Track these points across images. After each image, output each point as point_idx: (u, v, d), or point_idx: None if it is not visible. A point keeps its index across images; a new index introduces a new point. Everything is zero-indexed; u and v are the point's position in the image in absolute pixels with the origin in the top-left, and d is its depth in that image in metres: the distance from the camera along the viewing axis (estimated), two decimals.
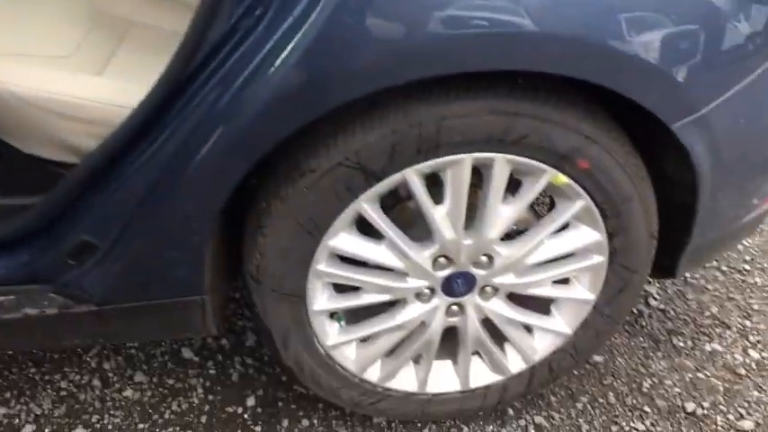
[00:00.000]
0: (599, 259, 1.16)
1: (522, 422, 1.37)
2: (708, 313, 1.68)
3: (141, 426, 1.36)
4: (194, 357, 1.50)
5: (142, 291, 1.10)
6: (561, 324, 1.25)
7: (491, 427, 1.37)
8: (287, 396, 1.42)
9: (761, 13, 0.99)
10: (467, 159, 1.00)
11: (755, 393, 1.45)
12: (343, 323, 1.21)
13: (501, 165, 1.02)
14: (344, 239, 1.07)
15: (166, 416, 1.38)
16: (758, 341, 1.59)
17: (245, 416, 1.38)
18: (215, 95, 0.91)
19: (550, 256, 1.15)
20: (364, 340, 1.23)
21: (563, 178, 1.04)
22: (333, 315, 1.21)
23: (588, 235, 1.13)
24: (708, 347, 1.57)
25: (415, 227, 1.13)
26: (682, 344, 1.58)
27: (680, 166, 1.07)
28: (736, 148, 1.07)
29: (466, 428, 1.36)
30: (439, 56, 0.88)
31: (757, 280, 1.81)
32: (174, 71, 0.92)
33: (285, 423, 1.37)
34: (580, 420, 1.38)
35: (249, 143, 0.94)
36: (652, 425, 1.37)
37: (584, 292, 1.21)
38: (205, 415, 1.38)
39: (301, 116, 0.91)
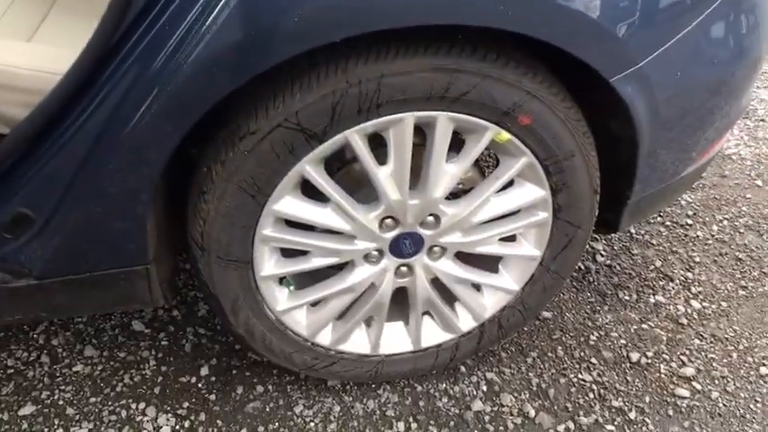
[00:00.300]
0: (544, 215, 1.17)
1: (474, 378, 1.41)
2: (652, 267, 1.74)
3: (93, 400, 1.34)
4: (145, 329, 1.48)
5: (83, 262, 1.07)
6: (509, 281, 1.28)
7: (444, 384, 1.39)
8: (241, 364, 1.42)
9: None
10: (408, 118, 0.99)
11: (696, 341, 1.51)
12: (292, 288, 1.21)
13: (443, 123, 1.01)
14: (289, 203, 1.06)
15: (119, 389, 1.36)
16: (699, 292, 1.66)
17: (200, 385, 1.38)
18: (147, 58, 0.88)
19: (496, 213, 1.16)
20: (315, 304, 1.24)
21: (505, 135, 1.05)
22: (282, 280, 1.20)
23: (533, 192, 1.14)
24: (652, 300, 1.63)
25: (362, 189, 1.13)
26: (627, 297, 1.64)
27: (620, 121, 1.08)
28: (674, 102, 1.09)
29: (420, 387, 1.39)
30: (376, 11, 0.86)
31: (699, 233, 1.87)
32: (103, 34, 0.88)
33: (239, 390, 1.37)
34: (530, 374, 1.42)
35: (184, 106, 0.91)
36: (599, 375, 1.42)
37: (530, 248, 1.23)
38: (158, 386, 1.37)
39: (236, 77, 0.89)
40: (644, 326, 1.56)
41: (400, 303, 1.28)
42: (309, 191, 1.09)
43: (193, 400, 1.35)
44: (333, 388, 1.38)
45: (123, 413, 1.31)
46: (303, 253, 1.16)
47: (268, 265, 1.14)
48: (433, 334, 1.32)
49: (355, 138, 1.00)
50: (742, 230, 1.89)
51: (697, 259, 1.77)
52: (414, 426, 1.31)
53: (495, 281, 1.27)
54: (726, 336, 1.54)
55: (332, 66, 0.94)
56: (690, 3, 1.02)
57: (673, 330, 1.55)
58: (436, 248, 1.19)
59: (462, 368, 1.43)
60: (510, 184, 1.15)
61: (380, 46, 0.94)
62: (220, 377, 1.39)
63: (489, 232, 1.18)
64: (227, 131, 1.00)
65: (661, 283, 1.69)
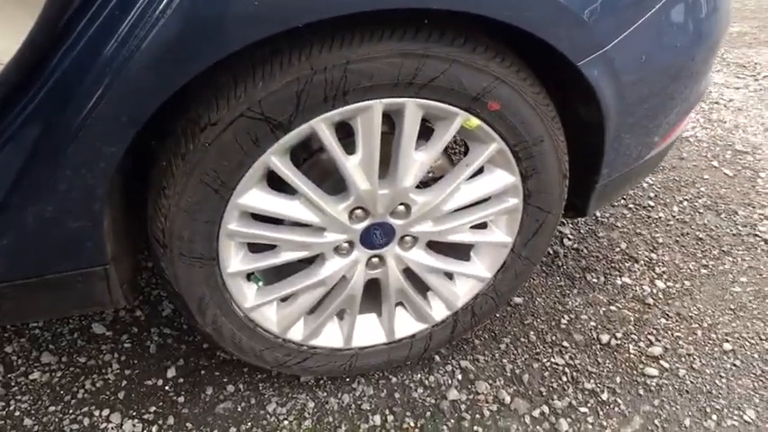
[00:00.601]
0: (514, 202, 1.17)
1: (449, 367, 1.40)
2: (618, 249, 1.76)
3: (52, 408, 1.27)
4: (107, 332, 1.42)
5: (36, 265, 1.01)
6: (481, 269, 1.27)
7: (418, 375, 1.38)
8: (209, 363, 1.38)
9: None
10: (376, 105, 0.97)
11: (663, 321, 1.54)
12: (261, 284, 1.17)
13: (412, 110, 0.99)
14: (255, 196, 1.02)
15: (80, 395, 1.30)
16: (663, 272, 1.69)
17: (167, 387, 1.33)
18: (96, 46, 0.83)
19: (467, 201, 1.14)
20: (285, 299, 1.20)
21: (475, 121, 1.03)
22: (250, 276, 1.16)
23: (503, 178, 1.13)
24: (619, 281, 1.65)
25: (329, 180, 1.10)
26: (595, 280, 1.65)
27: (587, 105, 1.08)
28: (639, 86, 1.09)
29: (394, 378, 1.37)
30: None
31: (661, 215, 1.91)
32: (46, 21, 0.83)
33: (209, 391, 1.32)
34: (504, 360, 1.42)
35: (139, 97, 0.86)
36: (571, 358, 1.43)
37: (501, 235, 1.22)
38: (123, 391, 1.31)
39: (193, 65, 0.84)
40: (612, 307, 1.57)
41: (372, 295, 1.26)
42: (276, 183, 1.05)
43: (161, 403, 1.30)
44: (306, 384, 1.35)
45: (86, 421, 1.26)
46: (271, 247, 1.12)
47: (235, 261, 1.10)
48: (406, 325, 1.31)
49: (322, 127, 0.97)
50: (701, 211, 1.93)
51: (660, 240, 1.80)
52: (390, 418, 1.29)
53: (467, 269, 1.26)
54: (690, 314, 1.57)
55: (295, 52, 0.90)
56: None
57: (640, 311, 1.57)
58: (407, 238, 1.17)
59: (436, 357, 1.42)
60: (480, 171, 1.13)
61: (345, 31, 0.90)
62: (188, 378, 1.35)
63: (460, 220, 1.17)
64: (186, 122, 0.95)
65: (627, 264, 1.71)
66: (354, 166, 1.03)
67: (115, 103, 0.85)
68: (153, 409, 1.29)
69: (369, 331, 1.30)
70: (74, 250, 1.01)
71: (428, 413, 1.31)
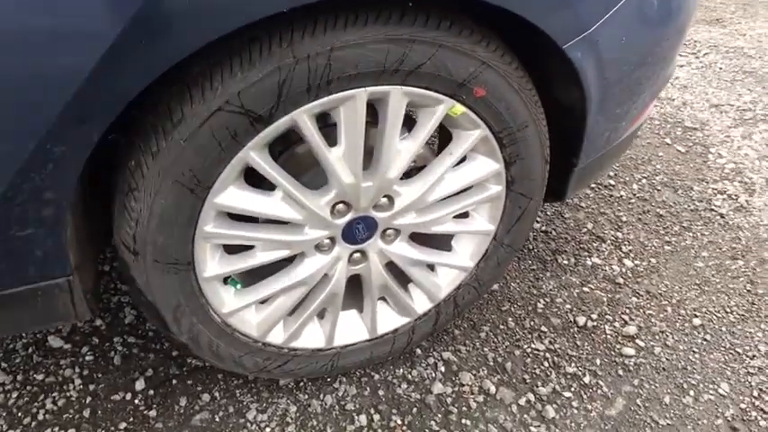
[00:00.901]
0: (497, 189, 1.14)
1: (431, 360, 1.37)
2: (585, 229, 1.78)
3: None
4: (65, 345, 1.32)
5: None
6: (464, 258, 1.24)
7: (401, 370, 1.35)
8: (180, 372, 1.30)
9: None
10: (361, 94, 0.92)
11: (634, 299, 1.57)
12: (239, 286, 1.10)
13: (397, 98, 0.94)
14: (233, 195, 0.95)
15: (41, 417, 1.20)
16: (630, 250, 1.72)
17: (136, 401, 1.24)
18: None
19: (451, 191, 1.11)
20: (264, 302, 1.14)
21: (460, 108, 1.00)
22: (226, 279, 1.10)
23: (486, 165, 1.11)
24: (589, 262, 1.67)
25: (307, 173, 1.05)
26: (566, 261, 1.66)
27: (568, 89, 1.06)
28: (618, 68, 1.08)
29: (377, 375, 1.33)
30: None
31: (622, 193, 1.94)
32: None
33: (183, 402, 1.25)
34: (485, 349, 1.41)
35: (104, 95, 0.77)
36: (550, 343, 1.43)
37: (484, 223, 1.20)
38: (87, 408, 1.22)
39: (163, 58, 0.76)
40: (585, 289, 1.59)
41: (353, 291, 1.21)
42: (252, 179, 0.99)
43: (131, 419, 1.21)
44: (286, 387, 1.30)
45: None
46: (248, 248, 1.06)
47: (211, 264, 1.03)
48: (388, 319, 1.27)
49: (304, 119, 0.91)
50: (659, 188, 1.98)
51: (624, 219, 1.83)
52: (376, 417, 1.26)
53: (449, 259, 1.23)
54: (659, 291, 1.60)
55: (275, 39, 0.84)
56: None
57: (611, 291, 1.59)
58: (390, 231, 1.13)
59: (418, 350, 1.39)
60: (462, 159, 1.10)
61: (328, 15, 0.84)
62: (159, 389, 1.27)
63: (444, 210, 1.13)
64: (155, 117, 0.87)
65: (595, 244, 1.73)
66: (337, 159, 0.97)
67: (79, 103, 0.76)
68: (123, 425, 1.20)
69: (350, 328, 1.25)
70: (34, 263, 0.92)
71: (414, 409, 1.28)
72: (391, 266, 1.19)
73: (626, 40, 1.06)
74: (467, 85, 0.96)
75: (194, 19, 0.74)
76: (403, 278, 1.23)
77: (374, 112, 0.98)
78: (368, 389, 1.31)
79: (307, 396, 1.28)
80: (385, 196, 1.07)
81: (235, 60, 0.84)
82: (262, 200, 0.99)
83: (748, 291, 1.63)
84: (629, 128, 1.32)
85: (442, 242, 1.24)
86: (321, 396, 1.29)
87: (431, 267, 1.25)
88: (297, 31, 0.84)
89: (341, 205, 1.04)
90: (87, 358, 1.30)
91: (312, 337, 1.22)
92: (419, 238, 1.19)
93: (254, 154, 0.92)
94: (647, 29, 1.10)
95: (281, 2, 0.77)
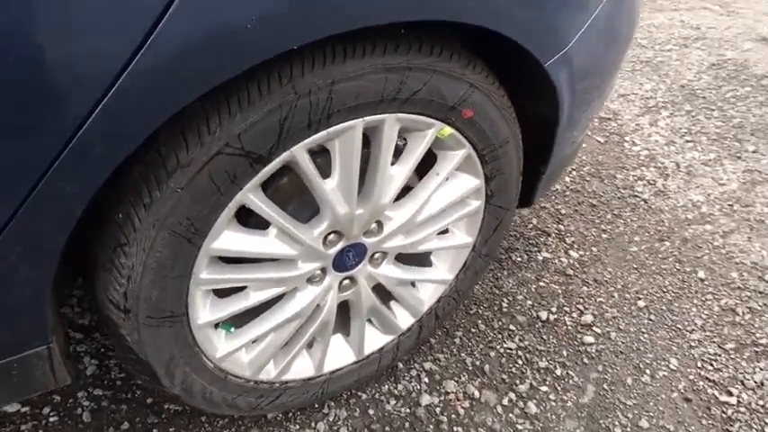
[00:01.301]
0: (477, 204, 1.17)
1: (414, 372, 1.38)
2: (530, 225, 1.86)
3: None
4: (23, 408, 1.19)
5: None
6: (444, 272, 1.26)
7: (386, 386, 1.35)
8: (160, 419, 1.22)
9: None
10: (359, 125, 0.90)
11: (585, 289, 1.67)
12: (233, 329, 1.05)
13: (391, 125, 0.94)
14: (228, 238, 0.90)
15: None
16: (573, 242, 1.82)
17: None
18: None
19: (436, 210, 1.12)
20: (254, 340, 1.09)
21: (448, 130, 1.01)
22: (217, 324, 1.04)
23: (468, 182, 1.12)
24: (540, 257, 1.75)
25: (290, 205, 1.01)
26: (519, 258, 1.74)
27: (542, 103, 1.10)
28: (584, 81, 1.14)
29: (364, 395, 1.33)
30: (357, 7, 0.74)
31: (557, 187, 2.05)
32: None
33: None
34: (462, 354, 1.44)
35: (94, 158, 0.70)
36: (520, 340, 1.49)
37: (463, 237, 1.22)
38: None
39: (165, 106, 0.71)
40: (541, 283, 1.67)
41: (339, 316, 1.19)
42: (242, 219, 0.94)
43: None
44: (275, 420, 1.26)
45: None
46: (239, 290, 1.01)
47: (203, 311, 0.97)
48: (373, 339, 1.26)
49: (302, 154, 0.88)
50: (588, 179, 2.10)
51: (563, 211, 1.94)
52: None
53: (431, 275, 1.25)
54: (605, 279, 1.71)
55: (274, 75, 0.80)
56: None
57: (564, 283, 1.68)
58: (377, 255, 1.12)
59: (399, 364, 1.39)
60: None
61: (326, 48, 0.82)
62: None
63: (429, 229, 1.14)
64: (144, 166, 0.80)
65: (542, 239, 1.82)
66: (331, 190, 0.95)
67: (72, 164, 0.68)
68: None
69: (338, 353, 1.24)
70: (11, 335, 0.82)
71: (407, 423, 1.29)
72: (376, 287, 1.18)
73: (591, 55, 1.11)
74: (457, 107, 0.97)
75: (203, 62, 0.69)
76: (385, 297, 1.22)
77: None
78: (357, 410, 1.30)
79: (298, 426, 1.25)
80: (375, 222, 1.06)
81: (232, 101, 0.79)
82: (257, 240, 0.94)
83: (678, 269, 1.78)
84: (583, 134, 1.39)
85: (422, 259, 1.25)
86: (313, 424, 1.26)
87: (411, 284, 1.26)
88: (296, 66, 0.80)
89: (332, 235, 1.02)
90: (51, 420, 1.18)
91: (302, 367, 1.19)
92: (401, 258, 1.19)
93: (252, 195, 0.88)
94: (607, 44, 1.17)
95: (293, 38, 0.73)
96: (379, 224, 1.07)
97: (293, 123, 0.83)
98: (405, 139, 1.01)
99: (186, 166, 0.79)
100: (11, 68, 0.60)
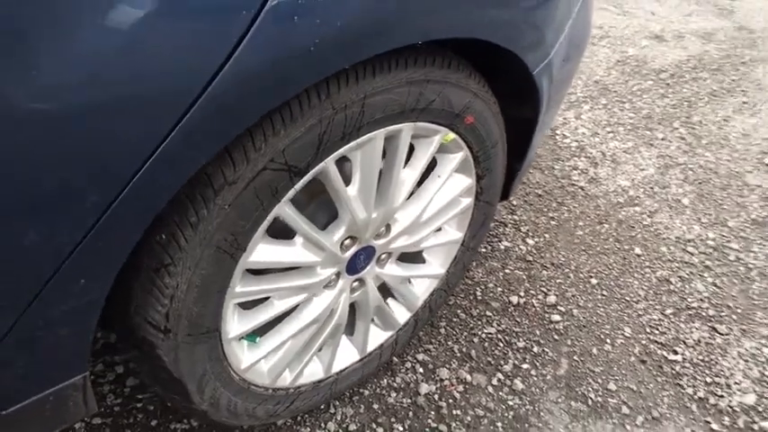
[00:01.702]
0: (467, 201, 1.25)
1: (409, 365, 1.45)
2: None
3: None
4: None
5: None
6: (437, 267, 1.34)
7: (385, 380, 1.41)
8: None
9: None
10: (380, 135, 0.95)
11: (545, 272, 1.81)
12: (258, 339, 1.07)
13: (406, 133, 1.00)
14: (263, 251, 0.93)
15: None
16: (528, 230, 1.96)
17: None
18: None
19: (435, 210, 1.19)
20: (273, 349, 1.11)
21: (451, 135, 1.08)
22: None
23: (462, 181, 1.20)
24: (501, 246, 1.87)
25: (305, 214, 1.04)
26: (484, 249, 1.85)
27: (525, 106, 1.20)
28: (558, 85, 1.25)
29: (366, 391, 1.38)
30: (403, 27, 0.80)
31: None
32: None
33: None
34: (449, 343, 1.53)
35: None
36: (498, 325, 1.60)
37: (455, 233, 1.30)
38: None
39: (234, 125, 0.73)
40: (506, 271, 1.79)
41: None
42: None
43: None
44: (284, 426, 1.28)
45: None
46: (261, 301, 1.03)
47: (232, 324, 0.98)
48: (374, 337, 1.32)
49: (332, 165, 0.92)
50: (531, 171, 2.26)
51: (514, 203, 2.07)
52: (380, 430, 1.31)
53: (426, 270, 1.32)
54: (560, 262, 1.87)
55: (313, 93, 0.83)
56: None
57: (526, 268, 1.81)
58: (383, 255, 1.18)
59: (394, 359, 1.46)
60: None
61: (358, 65, 0.86)
62: None
63: (429, 228, 1.21)
64: (190, 186, 0.81)
65: (500, 229, 1.94)
66: (354, 197, 1.00)
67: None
68: None
69: (343, 354, 1.28)
70: (53, 365, 0.80)
71: (410, 413, 1.35)
72: (380, 287, 1.24)
73: (564, 62, 1.23)
74: (461, 114, 1.05)
75: (271, 81, 0.71)
76: (384, 295, 1.28)
77: None
78: (362, 406, 1.35)
79: (308, 428, 1.28)
80: (384, 224, 1.11)
81: (275, 118, 0.82)
82: (286, 250, 0.97)
83: (618, 248, 1.97)
84: (547, 130, 1.51)
85: (416, 256, 1.31)
86: (322, 424, 1.29)
87: (408, 281, 1.32)
88: (333, 83, 0.84)
89: (348, 240, 1.07)
90: None
91: (313, 371, 1.22)
92: (400, 257, 1.25)
93: (287, 207, 0.90)
94: (573, 50, 1.29)
95: (346, 59, 0.77)
96: (387, 227, 1.12)
97: (330, 137, 0.87)
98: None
99: (233, 183, 0.81)
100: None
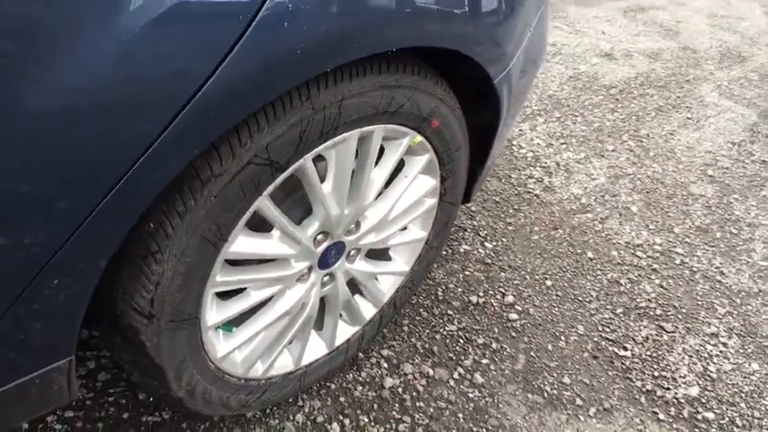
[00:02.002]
0: (432, 201, 1.33)
1: (374, 360, 1.51)
2: None
3: None
4: None
5: None
6: (402, 264, 1.41)
7: (351, 375, 1.47)
8: None
9: None
10: (355, 135, 1.02)
11: (503, 274, 1.90)
12: (234, 329, 1.11)
13: (378, 135, 1.07)
14: (242, 242, 0.98)
15: None
16: (486, 234, 2.06)
17: None
18: None
19: (402, 209, 1.26)
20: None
21: (418, 138, 1.16)
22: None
23: (427, 182, 1.28)
24: (461, 249, 1.96)
25: (281, 208, 1.10)
26: (444, 252, 1.93)
27: (485, 112, 1.29)
28: (516, 94, 1.35)
29: (333, 385, 1.43)
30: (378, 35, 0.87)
31: None
32: None
33: None
34: (413, 340, 1.60)
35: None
36: (458, 323, 1.68)
37: (419, 232, 1.38)
38: None
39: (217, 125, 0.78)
40: (466, 272, 1.87)
41: None
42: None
43: None
44: (254, 418, 1.32)
45: None
46: (237, 292, 1.08)
47: (211, 313, 1.03)
48: (342, 332, 1.37)
49: (310, 161, 0.98)
50: (489, 179, 2.37)
51: (473, 208, 2.17)
52: (346, 421, 1.36)
53: (392, 267, 1.39)
54: (517, 264, 1.97)
55: (294, 93, 0.90)
56: (534, 7, 1.27)
57: (485, 270, 1.90)
58: (353, 251, 1.24)
59: (360, 354, 1.51)
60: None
61: (337, 69, 0.93)
62: None
63: (395, 226, 1.28)
64: (179, 178, 0.86)
65: (460, 233, 2.03)
66: (328, 194, 1.06)
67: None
68: None
69: (312, 347, 1.33)
70: (38, 351, 0.83)
71: (375, 405, 1.41)
72: (348, 282, 1.30)
73: (522, 74, 1.32)
74: (428, 118, 1.13)
75: (261, 82, 0.77)
76: (351, 291, 1.34)
77: None
78: (329, 399, 1.40)
79: (277, 420, 1.33)
80: (354, 221, 1.18)
81: (260, 117, 0.87)
82: (263, 242, 1.03)
83: (571, 252, 2.09)
84: (505, 138, 1.61)
85: (382, 253, 1.38)
86: (291, 417, 1.34)
87: (374, 277, 1.39)
88: (313, 85, 0.91)
89: (320, 235, 1.13)
90: None
91: (283, 363, 1.27)
92: (368, 254, 1.32)
93: (267, 200, 0.96)
94: (529, 63, 1.39)
95: (327, 63, 0.84)
96: (357, 224, 1.19)
97: (309, 135, 0.93)
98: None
99: (219, 176, 0.86)
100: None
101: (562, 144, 2.68)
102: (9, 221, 0.68)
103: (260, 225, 1.02)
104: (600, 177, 2.50)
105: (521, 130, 2.73)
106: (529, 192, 2.33)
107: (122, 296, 0.91)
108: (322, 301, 1.28)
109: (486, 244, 2.01)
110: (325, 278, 1.22)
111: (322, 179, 1.04)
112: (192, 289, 0.93)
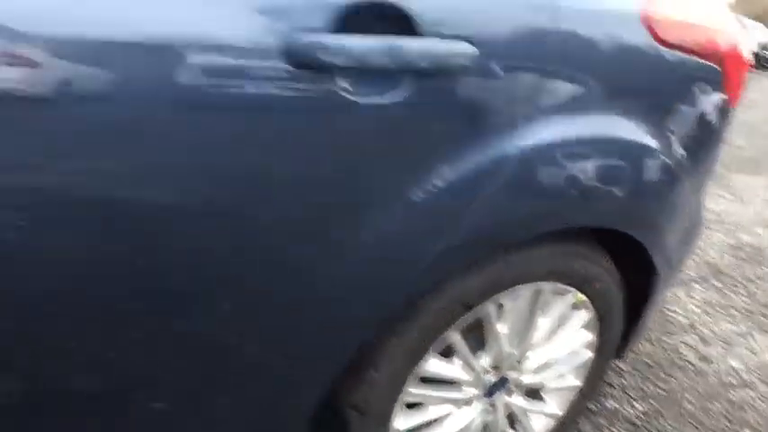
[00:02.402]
0: (589, 354, 1.50)
1: None
2: None
3: None
4: None
5: None
6: (555, 407, 1.56)
7: None
8: None
9: None
10: (531, 287, 1.27)
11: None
12: None
13: (549, 289, 1.31)
14: (434, 363, 1.23)
15: None
16: (635, 395, 2.11)
17: None
18: None
19: (561, 355, 1.45)
20: None
21: (582, 296, 1.37)
22: None
23: (585, 336, 1.47)
24: (608, 405, 2.03)
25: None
26: (592, 406, 2.02)
27: (639, 276, 1.48)
28: (671, 268, 1.52)
29: None
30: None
31: None
32: None
33: None
34: None
35: None
36: None
37: (574, 380, 1.54)
38: None
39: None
40: (613, 429, 1.94)
41: None
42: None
43: None
44: None
45: None
46: (416, 405, 1.31)
47: (400, 419, 1.27)
48: None
49: (492, 306, 1.24)
50: (641, 342, 2.43)
51: (622, 367, 2.24)
52: None
53: (546, 408, 1.55)
54: (668, 431, 1.98)
55: (495, 254, 1.17)
56: (690, 186, 1.48)
57: (633, 431, 1.95)
58: (513, 386, 1.44)
59: None
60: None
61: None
62: None
63: (554, 371, 1.46)
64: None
65: (608, 390, 2.11)
66: (504, 334, 1.30)
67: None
68: None
69: None
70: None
71: None
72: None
73: (678, 245, 1.51)
74: (591, 281, 1.35)
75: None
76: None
77: None
78: None
79: None
80: (519, 360, 1.39)
81: (468, 268, 1.16)
82: (449, 366, 1.27)
83: (728, 428, 2.05)
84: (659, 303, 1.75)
85: (536, 394, 1.55)
86: None
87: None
88: (511, 248, 1.19)
89: (491, 367, 1.35)
90: None
91: None
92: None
93: (456, 332, 1.22)
94: (687, 236, 1.57)
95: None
96: (520, 362, 1.40)
97: (498, 287, 1.20)
98: None
99: (428, 310, 1.15)
100: None
101: (721, 314, 2.68)
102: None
103: (444, 352, 1.28)
104: (764, 354, 2.45)
105: (677, 296, 2.78)
106: (682, 358, 2.36)
107: (345, 394, 1.19)
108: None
109: (636, 404, 2.06)
110: (488, 407, 1.42)
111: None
112: (392, 394, 1.19)
